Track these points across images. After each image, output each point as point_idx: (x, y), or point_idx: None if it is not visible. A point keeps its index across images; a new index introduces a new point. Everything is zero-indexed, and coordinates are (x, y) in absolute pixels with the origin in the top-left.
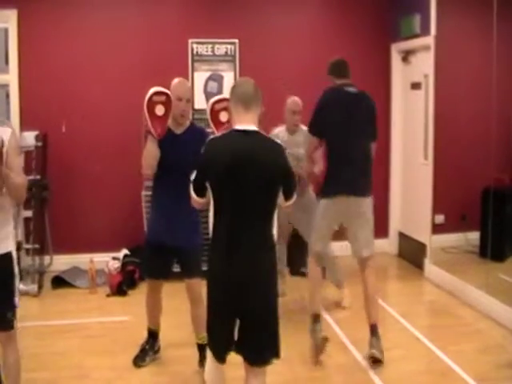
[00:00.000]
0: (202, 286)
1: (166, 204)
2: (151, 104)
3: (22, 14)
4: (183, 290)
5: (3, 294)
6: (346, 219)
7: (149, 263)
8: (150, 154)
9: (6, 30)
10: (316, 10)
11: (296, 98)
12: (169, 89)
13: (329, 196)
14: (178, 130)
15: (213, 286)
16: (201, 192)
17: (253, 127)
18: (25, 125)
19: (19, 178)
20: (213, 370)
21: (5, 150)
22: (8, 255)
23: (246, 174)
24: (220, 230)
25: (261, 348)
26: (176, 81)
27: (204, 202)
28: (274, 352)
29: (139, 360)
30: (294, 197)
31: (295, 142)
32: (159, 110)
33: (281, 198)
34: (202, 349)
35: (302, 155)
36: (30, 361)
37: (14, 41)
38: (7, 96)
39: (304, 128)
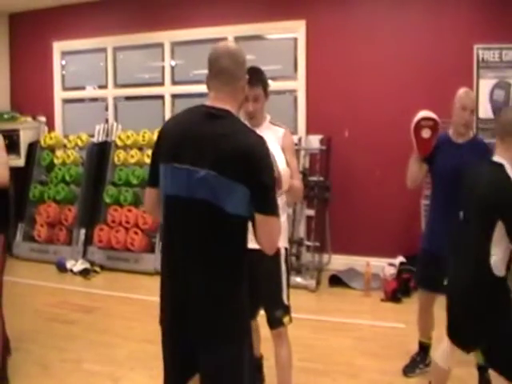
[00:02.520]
0: None
1: (442, 213)
2: (418, 127)
3: (309, 24)
4: None
5: (271, 291)
6: None
7: (423, 273)
8: (411, 171)
9: (295, 40)
10: None
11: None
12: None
13: None
14: (460, 140)
15: None
16: None
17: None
18: (310, 129)
19: (297, 182)
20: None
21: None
22: (276, 252)
23: None
24: None
25: None
26: (462, 90)
27: None
28: None
29: (409, 370)
30: None
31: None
32: (425, 133)
33: None
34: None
35: None
36: (305, 351)
37: (302, 49)
38: (295, 101)
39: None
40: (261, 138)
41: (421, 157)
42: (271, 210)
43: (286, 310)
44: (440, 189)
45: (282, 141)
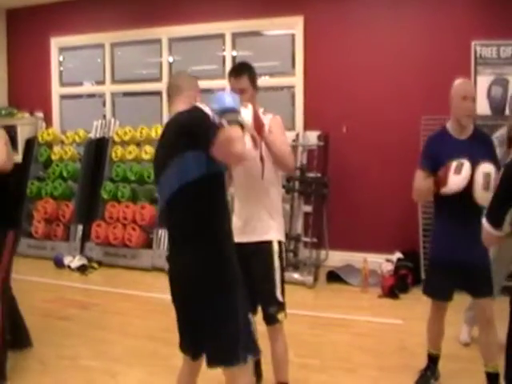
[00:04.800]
0: (493, 307)
1: (452, 217)
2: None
3: (307, 20)
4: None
5: (264, 287)
6: None
7: (433, 283)
8: (419, 190)
9: (293, 36)
10: None
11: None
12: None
13: None
14: (462, 136)
15: None
16: (500, 223)
17: None
18: (308, 125)
19: (278, 146)
20: None
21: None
22: (268, 244)
23: None
24: None
25: None
26: (458, 80)
27: (499, 237)
28: None
29: None
30: None
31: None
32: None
33: None
34: (490, 378)
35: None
36: (303, 347)
37: (300, 45)
38: (293, 97)
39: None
40: (194, 107)
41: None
42: (214, 133)
43: (280, 306)
44: (449, 195)
45: (269, 125)
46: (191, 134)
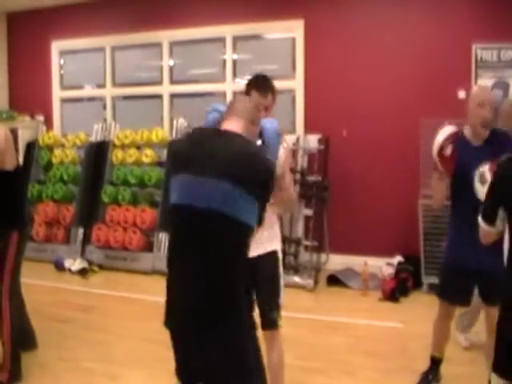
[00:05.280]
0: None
1: (467, 223)
2: (442, 148)
3: (308, 23)
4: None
5: (268, 293)
6: None
7: (447, 286)
8: (440, 194)
9: (293, 39)
10: None
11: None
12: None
13: None
14: (477, 142)
15: None
16: (493, 220)
17: None
18: (309, 128)
19: (288, 192)
20: None
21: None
22: (274, 254)
23: None
24: None
25: None
26: (476, 86)
27: (495, 233)
28: None
29: None
30: None
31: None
32: (448, 150)
33: None
34: None
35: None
36: (302, 350)
37: (300, 49)
38: (293, 101)
39: None
40: (265, 157)
41: (447, 176)
42: (261, 221)
43: (279, 312)
44: (464, 200)
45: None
46: (263, 192)
